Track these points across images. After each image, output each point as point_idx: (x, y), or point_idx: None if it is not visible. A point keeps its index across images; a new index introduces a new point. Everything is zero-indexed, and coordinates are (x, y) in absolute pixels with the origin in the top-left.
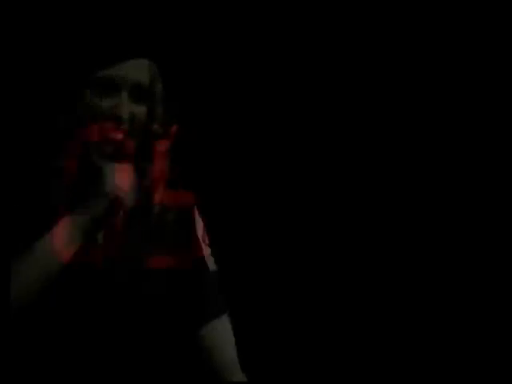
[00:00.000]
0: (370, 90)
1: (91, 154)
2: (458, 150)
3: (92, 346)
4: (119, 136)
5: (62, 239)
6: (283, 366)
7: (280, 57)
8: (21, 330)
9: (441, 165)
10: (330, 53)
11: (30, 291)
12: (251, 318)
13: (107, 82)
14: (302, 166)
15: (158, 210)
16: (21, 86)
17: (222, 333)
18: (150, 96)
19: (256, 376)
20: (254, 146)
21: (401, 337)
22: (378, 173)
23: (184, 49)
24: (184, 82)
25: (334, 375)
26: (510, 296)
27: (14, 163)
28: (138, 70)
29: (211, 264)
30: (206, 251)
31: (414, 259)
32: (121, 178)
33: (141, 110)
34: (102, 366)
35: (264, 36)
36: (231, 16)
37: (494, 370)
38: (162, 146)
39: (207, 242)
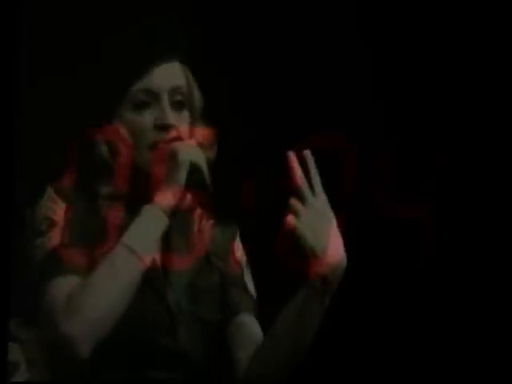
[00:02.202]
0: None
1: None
2: None
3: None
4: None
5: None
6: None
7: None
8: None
9: None
10: None
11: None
12: None
13: (142, 94)
14: None
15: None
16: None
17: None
18: (189, 101)
19: None
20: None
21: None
22: None
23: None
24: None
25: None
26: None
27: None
28: (172, 73)
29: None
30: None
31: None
32: (194, 150)
33: (184, 116)
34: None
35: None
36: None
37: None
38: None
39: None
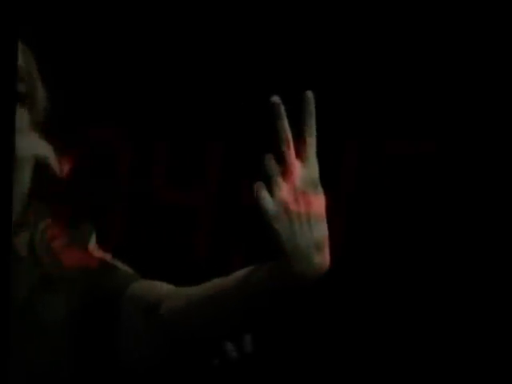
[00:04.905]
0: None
1: None
2: None
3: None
4: None
5: None
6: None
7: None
8: None
9: None
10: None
11: None
12: None
13: None
14: None
15: None
16: None
17: None
18: (30, 96)
19: None
20: None
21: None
22: None
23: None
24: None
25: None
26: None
27: None
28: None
29: None
30: None
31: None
32: (38, 143)
33: (22, 116)
34: None
35: None
36: None
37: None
38: None
39: None
